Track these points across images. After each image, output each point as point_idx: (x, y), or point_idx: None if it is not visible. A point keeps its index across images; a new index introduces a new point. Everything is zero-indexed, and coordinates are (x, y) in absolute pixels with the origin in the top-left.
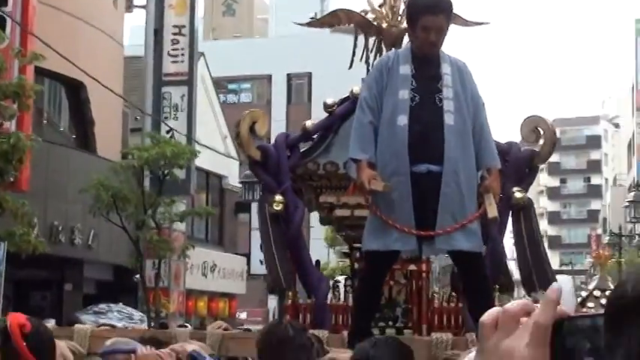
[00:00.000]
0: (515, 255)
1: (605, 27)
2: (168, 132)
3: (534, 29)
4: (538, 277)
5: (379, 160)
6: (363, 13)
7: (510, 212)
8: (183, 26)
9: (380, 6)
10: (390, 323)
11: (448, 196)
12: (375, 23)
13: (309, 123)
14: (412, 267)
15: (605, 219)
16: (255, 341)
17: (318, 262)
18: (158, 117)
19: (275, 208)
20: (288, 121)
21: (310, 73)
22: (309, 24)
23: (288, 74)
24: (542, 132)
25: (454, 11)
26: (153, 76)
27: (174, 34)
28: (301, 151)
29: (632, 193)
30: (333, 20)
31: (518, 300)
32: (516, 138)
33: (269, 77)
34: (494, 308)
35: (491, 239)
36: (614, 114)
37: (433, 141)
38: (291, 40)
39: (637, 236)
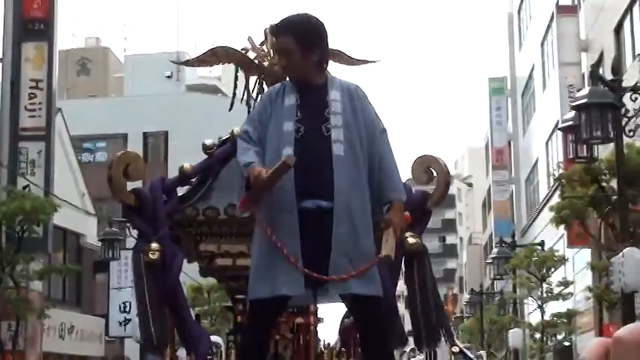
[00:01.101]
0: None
1: (456, 87)
2: (25, 187)
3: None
4: (427, 327)
5: None
6: (243, 51)
7: (402, 258)
8: (41, 80)
9: (261, 44)
10: None
11: (341, 235)
12: (257, 61)
13: (187, 165)
14: (299, 319)
15: (461, 278)
16: None
17: (198, 316)
18: (15, 171)
19: (151, 256)
20: (144, 181)
21: (167, 131)
22: (185, 62)
23: (144, 133)
24: (434, 173)
25: (333, 45)
26: (9, 130)
27: (32, 87)
28: (179, 195)
29: (496, 249)
30: (211, 58)
31: None
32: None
33: (125, 136)
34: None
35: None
36: (467, 173)
37: (321, 174)
38: (146, 98)
39: (498, 294)
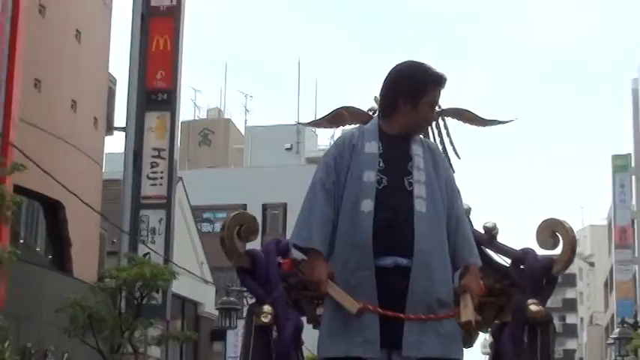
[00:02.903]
0: None
1: (578, 166)
2: (145, 254)
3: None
4: None
5: (338, 254)
6: (370, 112)
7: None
8: (163, 149)
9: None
10: None
11: (418, 294)
12: None
13: None
14: None
15: (581, 359)
16: None
17: None
18: (136, 239)
19: (263, 319)
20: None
21: (285, 203)
22: (311, 123)
23: (263, 204)
24: (560, 237)
25: (468, 109)
26: (131, 198)
27: (154, 156)
28: (295, 258)
29: (618, 330)
30: (336, 119)
31: None
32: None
33: (244, 207)
34: None
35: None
36: (589, 252)
37: (402, 230)
38: (266, 170)
39: None
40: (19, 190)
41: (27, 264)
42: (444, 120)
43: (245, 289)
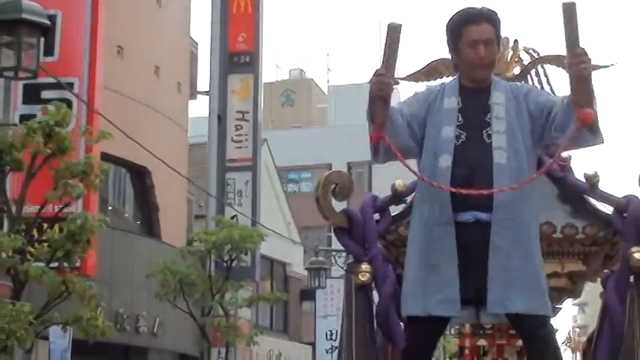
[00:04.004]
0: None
1: None
2: (233, 217)
3: None
4: None
5: (417, 210)
6: None
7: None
8: (247, 112)
9: None
10: None
11: (499, 249)
12: None
13: (399, 183)
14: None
15: None
16: None
17: None
18: (223, 202)
19: (361, 278)
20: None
21: (370, 161)
22: (408, 77)
23: (348, 163)
24: None
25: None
26: (217, 161)
27: (238, 119)
28: (392, 215)
29: None
30: (432, 71)
31: None
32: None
33: (329, 166)
34: None
35: (608, 310)
36: None
37: (481, 184)
38: (350, 128)
39: None
40: (105, 157)
41: (116, 230)
42: (543, 67)
43: (338, 248)
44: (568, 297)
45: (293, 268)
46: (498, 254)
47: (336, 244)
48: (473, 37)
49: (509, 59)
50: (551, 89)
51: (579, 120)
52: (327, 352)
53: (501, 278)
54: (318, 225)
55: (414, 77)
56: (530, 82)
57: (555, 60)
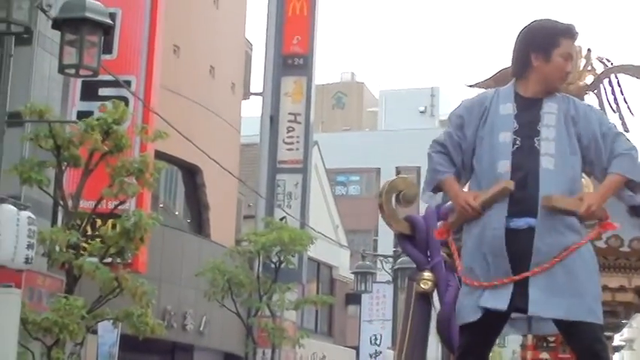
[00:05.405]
0: None
1: None
2: (282, 219)
3: None
4: None
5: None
6: None
7: None
8: (299, 114)
9: None
10: None
11: (542, 254)
12: None
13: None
14: None
15: None
16: None
17: None
18: (272, 203)
19: (422, 286)
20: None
21: (419, 167)
22: (477, 84)
23: (396, 167)
24: None
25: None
26: (268, 162)
27: (290, 121)
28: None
29: None
30: (503, 78)
31: None
32: None
33: (378, 170)
34: None
35: None
36: None
37: (531, 190)
38: (400, 133)
39: None
40: (157, 154)
41: (166, 228)
42: (616, 77)
43: (385, 252)
44: (635, 312)
45: (339, 272)
46: (540, 258)
47: (382, 249)
48: (570, 51)
49: (581, 68)
50: (624, 99)
51: (601, 227)
52: (370, 356)
53: (542, 282)
54: (365, 229)
55: (485, 84)
56: (602, 91)
57: (631, 70)
